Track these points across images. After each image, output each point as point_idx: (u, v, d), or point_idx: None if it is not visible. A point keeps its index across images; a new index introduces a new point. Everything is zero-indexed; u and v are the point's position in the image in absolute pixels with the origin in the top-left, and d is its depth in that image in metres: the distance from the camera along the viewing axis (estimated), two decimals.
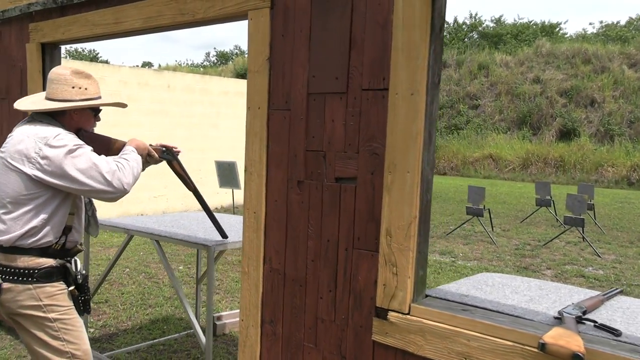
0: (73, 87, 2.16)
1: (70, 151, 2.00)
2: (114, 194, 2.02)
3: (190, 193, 2.76)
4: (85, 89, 2.19)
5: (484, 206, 8.39)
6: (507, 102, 25.57)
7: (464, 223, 8.91)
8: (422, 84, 1.86)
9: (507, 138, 23.68)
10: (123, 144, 2.29)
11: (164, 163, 2.62)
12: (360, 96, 2.02)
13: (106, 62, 38.34)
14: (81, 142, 2.10)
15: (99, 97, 2.28)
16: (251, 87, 2.35)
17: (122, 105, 2.41)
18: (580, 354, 1.48)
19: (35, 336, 2.04)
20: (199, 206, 11.19)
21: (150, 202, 9.88)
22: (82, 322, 2.11)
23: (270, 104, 2.29)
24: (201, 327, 3.13)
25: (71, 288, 2.07)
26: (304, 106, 2.19)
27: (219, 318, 4.23)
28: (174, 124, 10.20)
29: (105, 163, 2.05)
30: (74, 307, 2.08)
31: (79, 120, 2.22)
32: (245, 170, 2.40)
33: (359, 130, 2.03)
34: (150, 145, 2.40)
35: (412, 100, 1.88)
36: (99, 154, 2.13)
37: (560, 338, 1.55)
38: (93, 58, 38.88)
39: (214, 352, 3.75)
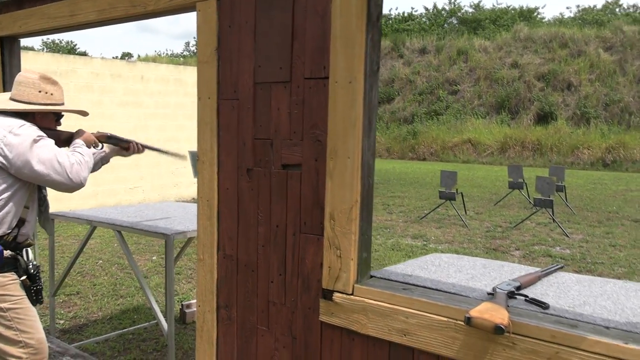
0: (40, 92, 2.24)
1: (35, 141, 2.07)
2: (71, 186, 2.09)
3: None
4: (51, 94, 2.27)
5: (457, 190, 8.52)
6: (485, 87, 25.79)
7: (437, 207, 9.05)
8: (359, 71, 1.92)
9: (485, 123, 23.92)
10: (70, 135, 2.34)
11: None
12: (303, 85, 2.08)
13: (84, 53, 37.88)
14: (44, 134, 2.16)
15: (63, 104, 2.37)
16: (201, 78, 2.39)
17: (84, 114, 2.49)
18: (502, 326, 1.56)
19: None
20: (176, 197, 11.18)
21: (126, 193, 9.86)
22: (35, 311, 2.16)
23: (220, 93, 2.34)
24: (174, 315, 3.20)
25: (23, 278, 2.11)
26: (251, 95, 2.24)
27: (188, 306, 4.29)
28: (148, 115, 10.16)
29: (66, 157, 2.12)
30: (26, 297, 2.13)
31: (41, 122, 2.29)
32: (197, 159, 2.45)
33: (303, 118, 2.09)
34: (97, 132, 2.47)
35: (350, 88, 1.93)
36: None
37: (486, 312, 1.63)
38: (71, 50, 38.36)
39: (183, 339, 3.81)
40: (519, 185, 9.86)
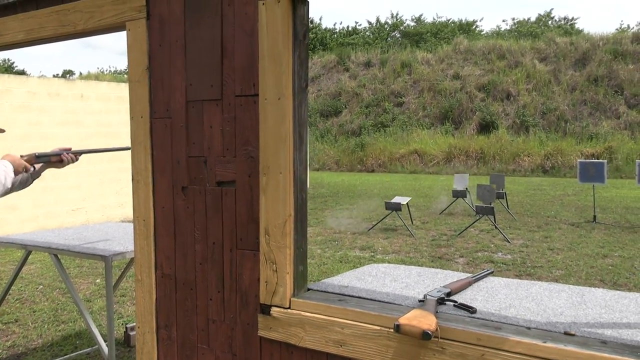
0: None
1: None
2: None
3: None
4: None
5: (407, 203, 8.68)
6: (429, 98, 26.44)
7: (383, 218, 9.19)
8: (288, 88, 1.96)
9: (431, 133, 24.49)
10: None
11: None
12: (234, 102, 2.10)
13: (22, 72, 36.62)
14: None
15: None
16: (133, 97, 2.38)
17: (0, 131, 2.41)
18: (429, 332, 1.62)
19: None
20: (120, 217, 10.94)
21: (69, 215, 9.56)
22: None
23: (152, 112, 2.33)
24: (115, 339, 3.13)
25: None
26: (183, 114, 2.24)
27: (132, 328, 4.19)
28: (89, 134, 9.92)
29: None
30: None
31: None
32: (132, 179, 2.43)
33: (235, 135, 2.11)
34: (22, 156, 2.41)
35: (279, 104, 1.97)
36: None
37: (415, 319, 1.69)
38: (8, 68, 37.03)
39: None
40: (462, 193, 10.14)
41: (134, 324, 4.32)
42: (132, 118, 2.39)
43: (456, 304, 1.91)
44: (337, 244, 7.98)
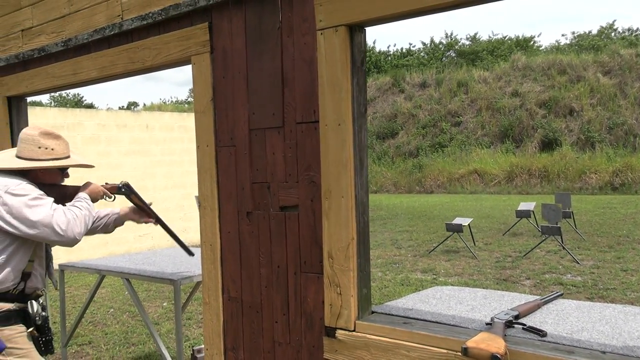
0: (39, 147, 2.31)
1: (31, 200, 2.13)
2: (66, 243, 2.15)
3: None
4: (52, 149, 2.34)
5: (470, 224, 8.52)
6: (488, 117, 25.94)
7: (445, 240, 9.03)
8: (347, 114, 2.01)
9: (490, 152, 23.97)
10: (76, 189, 2.42)
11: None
12: (296, 129, 2.17)
13: (91, 105, 38.60)
14: (42, 192, 2.23)
15: (67, 157, 2.43)
16: (199, 127, 2.49)
17: (87, 167, 2.55)
18: (497, 355, 1.59)
19: None
20: (185, 242, 11.28)
21: (136, 241, 9.93)
22: None
23: (217, 141, 2.43)
24: None
25: (30, 329, 2.16)
26: (247, 141, 2.33)
27: (199, 351, 4.28)
28: (154, 162, 10.32)
29: (62, 214, 2.17)
30: (34, 348, 2.17)
31: (44, 178, 2.36)
32: (199, 206, 2.52)
33: (297, 160, 2.17)
34: (106, 183, 2.54)
35: (339, 130, 2.02)
36: (55, 201, 2.25)
37: (482, 342, 1.66)
38: (77, 102, 39.10)
39: None
40: (526, 213, 9.84)
41: (201, 346, 4.42)
42: (198, 147, 2.50)
43: (525, 327, 1.86)
44: (397, 266, 7.90)
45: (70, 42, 3.08)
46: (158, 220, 2.84)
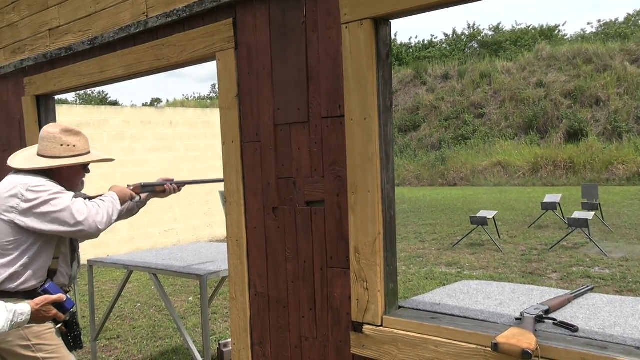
0: (61, 145, 2.34)
1: (50, 195, 2.17)
2: (87, 233, 2.18)
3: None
4: (74, 146, 2.37)
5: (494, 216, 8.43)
6: (512, 108, 25.59)
7: (469, 233, 8.95)
8: (373, 108, 2.00)
9: (514, 144, 23.65)
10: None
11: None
12: (321, 124, 2.16)
13: (115, 102, 39.09)
14: (61, 189, 2.26)
15: (88, 152, 2.46)
16: (224, 123, 2.50)
17: (109, 161, 2.58)
18: (529, 351, 1.57)
19: None
20: (209, 237, 11.33)
21: (161, 236, 10.05)
22: (74, 358, 2.24)
23: (242, 137, 2.44)
24: (211, 355, 3.25)
25: (59, 325, 2.20)
26: (272, 137, 2.33)
27: (225, 345, 4.33)
28: (178, 158, 10.42)
29: (82, 204, 2.21)
30: (63, 344, 2.21)
31: (68, 174, 2.39)
32: (225, 201, 2.54)
33: (323, 155, 2.17)
34: (128, 186, 2.57)
35: (365, 124, 2.01)
36: None
37: (513, 337, 1.64)
38: (102, 100, 39.62)
39: None
40: (551, 206, 9.70)
41: (227, 340, 4.46)
42: (223, 143, 2.51)
43: (556, 322, 1.84)
44: (421, 260, 7.86)
45: (96, 41, 3.12)
46: (181, 185, 2.88)
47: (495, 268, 7.06)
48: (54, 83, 3.52)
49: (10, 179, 2.26)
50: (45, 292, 2.03)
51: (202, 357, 3.11)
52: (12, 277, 2.16)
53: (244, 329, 2.51)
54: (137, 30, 2.86)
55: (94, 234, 2.20)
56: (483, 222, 8.26)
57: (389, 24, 2.07)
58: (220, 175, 2.65)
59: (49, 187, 2.20)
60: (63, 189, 2.25)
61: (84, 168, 2.49)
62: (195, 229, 10.57)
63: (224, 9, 2.48)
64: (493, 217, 8.71)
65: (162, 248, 4.25)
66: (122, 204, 2.45)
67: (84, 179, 2.54)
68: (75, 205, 2.19)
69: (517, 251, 8.05)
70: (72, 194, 2.24)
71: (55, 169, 2.35)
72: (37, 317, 1.97)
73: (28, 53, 3.71)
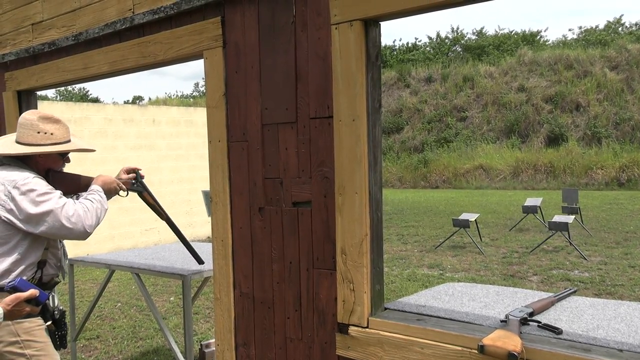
0: (38, 132, 2.27)
1: (38, 196, 2.11)
2: (76, 235, 2.14)
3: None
4: (52, 134, 2.30)
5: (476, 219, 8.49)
6: (494, 112, 25.86)
7: (451, 235, 9.02)
8: (362, 109, 1.99)
9: (496, 148, 23.90)
10: (90, 180, 2.40)
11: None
12: (309, 124, 2.15)
13: (96, 99, 38.65)
14: (49, 187, 2.20)
15: (68, 141, 2.39)
16: (211, 122, 2.48)
17: (89, 151, 2.52)
18: (514, 353, 1.58)
19: None
20: (191, 236, 11.23)
21: (142, 235, 9.95)
22: (59, 357, 2.20)
23: (229, 136, 2.42)
24: (193, 356, 3.22)
25: (48, 323, 2.16)
26: (259, 137, 2.31)
27: (207, 346, 4.30)
28: (161, 156, 10.33)
29: (71, 207, 2.15)
30: (50, 342, 2.17)
31: (45, 163, 2.33)
32: (211, 201, 2.52)
33: (310, 156, 2.16)
34: (119, 178, 2.52)
35: (354, 125, 2.00)
36: (68, 192, 2.24)
37: (499, 339, 1.65)
38: (83, 96, 39.15)
39: None
40: (532, 209, 9.81)
41: (209, 341, 4.43)
42: (210, 142, 2.49)
43: (540, 324, 1.85)
44: (404, 262, 7.89)
45: (80, 37, 3.07)
46: (169, 223, 2.80)
47: (477, 270, 7.11)
48: (36, 78, 3.46)
49: None
50: (15, 289, 1.96)
51: (184, 358, 3.08)
52: (3, 275, 2.12)
53: (228, 330, 2.49)
54: (123, 27, 2.83)
55: (81, 237, 2.16)
56: (465, 224, 8.33)
57: (379, 26, 2.07)
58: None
59: (37, 185, 2.15)
60: (51, 187, 2.20)
61: (62, 157, 2.41)
62: None
63: (212, 7, 2.45)
64: (475, 220, 8.78)
65: (144, 247, 4.20)
66: (108, 198, 2.39)
67: (63, 168, 2.48)
68: (65, 209, 2.13)
69: (499, 254, 8.13)
70: (59, 192, 2.19)
71: (33, 158, 2.29)
72: (10, 316, 1.92)
73: (10, 47, 3.64)
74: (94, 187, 2.34)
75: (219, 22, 2.41)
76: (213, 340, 4.45)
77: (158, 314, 3.14)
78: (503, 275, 6.80)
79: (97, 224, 2.22)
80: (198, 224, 10.81)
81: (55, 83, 3.37)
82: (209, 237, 10.90)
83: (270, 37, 2.25)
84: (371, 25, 2.03)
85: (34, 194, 2.11)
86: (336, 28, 2.03)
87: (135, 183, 2.61)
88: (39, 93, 3.94)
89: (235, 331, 2.48)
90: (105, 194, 2.35)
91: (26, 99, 3.70)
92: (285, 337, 2.31)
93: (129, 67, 2.87)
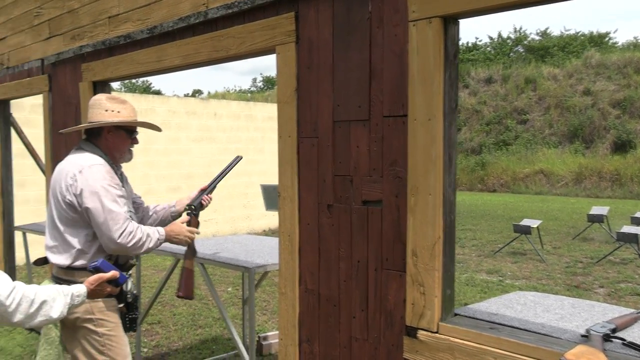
0: (106, 110, 2.37)
1: (100, 189, 2.21)
2: (114, 249, 2.23)
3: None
4: (118, 112, 2.39)
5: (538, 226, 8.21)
6: (556, 115, 24.97)
7: (512, 241, 8.76)
8: (438, 109, 1.94)
9: (558, 152, 23.07)
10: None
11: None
12: (382, 123, 2.11)
13: (158, 92, 39.79)
14: (112, 182, 2.28)
15: (134, 120, 2.49)
16: (281, 117, 2.47)
17: (156, 128, 2.59)
18: None
19: (83, 348, 2.21)
20: (247, 229, 11.38)
21: (201, 226, 10.15)
22: (127, 340, 2.26)
23: (300, 132, 2.41)
24: (248, 347, 3.25)
25: (120, 305, 2.23)
26: (330, 133, 2.29)
27: (265, 338, 4.33)
28: (221, 149, 10.52)
29: (132, 229, 2.26)
30: (120, 324, 2.24)
31: (114, 141, 2.41)
32: (279, 195, 2.52)
33: (382, 155, 2.12)
34: (188, 224, 2.70)
35: (429, 125, 1.95)
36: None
37: (582, 355, 1.57)
38: (146, 89, 40.37)
39: None
40: (598, 218, 9.40)
41: (266, 334, 4.47)
42: (279, 137, 2.49)
43: (625, 342, 1.75)
44: (461, 265, 7.73)
45: (155, 30, 3.14)
46: (211, 191, 2.93)
47: (539, 279, 6.88)
48: (112, 70, 3.57)
49: (68, 158, 2.32)
50: (97, 269, 2.03)
51: (245, 349, 3.10)
52: (79, 254, 2.21)
53: (292, 325, 2.49)
54: (197, 21, 2.87)
55: (117, 251, 2.25)
56: (527, 230, 8.07)
57: (458, 23, 2.01)
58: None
59: (100, 175, 2.23)
60: (114, 181, 2.28)
61: (130, 137, 2.49)
62: (234, 221, 10.65)
63: (286, 3, 2.45)
64: (537, 227, 8.49)
65: (205, 238, 4.27)
66: (164, 241, 2.47)
67: (131, 148, 2.55)
68: (129, 226, 2.23)
69: (561, 263, 7.83)
70: (116, 192, 2.27)
71: (102, 137, 2.37)
72: (92, 295, 1.99)
73: (87, 40, 3.77)
74: (162, 229, 2.45)
75: (293, 18, 2.40)
76: (271, 333, 4.49)
77: (221, 304, 3.18)
78: (567, 285, 6.54)
79: (132, 250, 2.27)
80: (255, 217, 10.95)
81: (129, 75, 3.46)
82: (264, 231, 11.02)
83: (345, 33, 2.22)
84: (450, 23, 1.96)
85: (97, 184, 2.23)
86: (414, 25, 1.99)
87: (195, 208, 2.82)
88: None
89: (299, 327, 2.47)
90: (166, 240, 2.44)
91: (101, 89, 3.82)
92: (350, 336, 2.28)
93: (202, 61, 2.91)
